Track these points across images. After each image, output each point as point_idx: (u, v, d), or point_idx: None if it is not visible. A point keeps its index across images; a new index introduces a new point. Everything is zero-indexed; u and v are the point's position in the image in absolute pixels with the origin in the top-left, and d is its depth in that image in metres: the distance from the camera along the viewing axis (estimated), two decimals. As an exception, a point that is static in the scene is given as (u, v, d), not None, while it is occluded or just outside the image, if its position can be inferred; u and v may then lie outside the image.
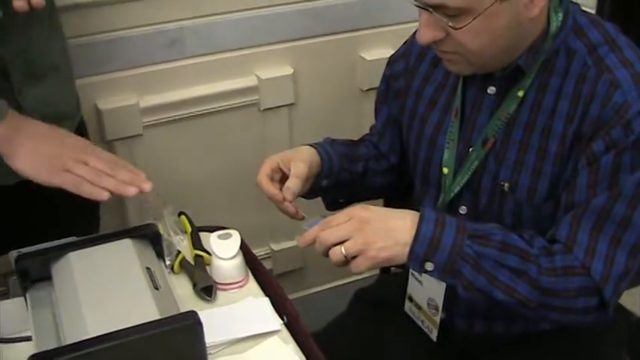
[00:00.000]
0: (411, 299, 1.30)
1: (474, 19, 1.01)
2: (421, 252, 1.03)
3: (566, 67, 1.10)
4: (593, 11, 1.76)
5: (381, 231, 1.03)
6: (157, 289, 1.00)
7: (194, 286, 1.18)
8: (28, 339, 1.04)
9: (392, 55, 1.36)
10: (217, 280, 1.19)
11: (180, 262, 1.22)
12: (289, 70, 1.82)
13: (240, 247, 1.21)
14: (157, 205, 1.30)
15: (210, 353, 1.02)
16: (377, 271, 1.56)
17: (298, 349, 1.07)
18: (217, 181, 1.87)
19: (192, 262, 1.24)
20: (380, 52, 1.87)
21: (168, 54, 1.70)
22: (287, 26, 1.79)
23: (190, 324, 0.91)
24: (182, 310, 0.99)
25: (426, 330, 1.29)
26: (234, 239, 1.21)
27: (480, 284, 1.03)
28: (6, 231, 1.24)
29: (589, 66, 1.08)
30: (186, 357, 0.92)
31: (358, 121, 1.92)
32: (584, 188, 1.07)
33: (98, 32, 1.62)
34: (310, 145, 1.28)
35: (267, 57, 1.80)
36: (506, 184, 1.14)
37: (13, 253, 1.11)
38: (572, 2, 1.14)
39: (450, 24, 1.03)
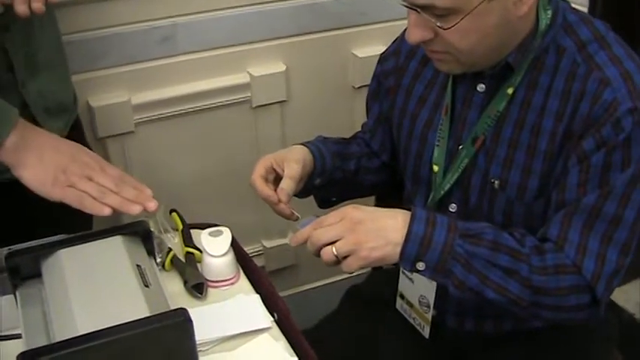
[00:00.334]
0: (402, 297, 1.31)
1: (463, 18, 1.01)
2: (413, 252, 1.03)
3: (555, 64, 1.10)
4: (585, 9, 1.76)
5: (373, 231, 1.04)
6: (147, 286, 1.00)
7: (185, 283, 1.18)
8: (17, 336, 1.04)
9: (382, 53, 1.36)
10: (208, 278, 1.19)
11: (171, 260, 1.22)
12: (281, 67, 1.82)
13: (231, 245, 1.20)
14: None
15: (200, 350, 1.02)
16: (369, 269, 1.56)
17: (289, 346, 1.07)
18: (209, 178, 1.87)
19: (183, 260, 1.23)
20: (372, 49, 1.87)
21: (160, 51, 1.69)
22: (279, 23, 1.79)
23: (181, 321, 0.91)
24: (172, 308, 0.99)
25: (418, 327, 1.29)
26: (225, 236, 1.21)
27: (472, 283, 1.04)
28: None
29: (579, 63, 1.08)
30: (177, 354, 0.92)
31: (350, 118, 1.92)
32: (574, 187, 1.07)
33: (89, 29, 1.61)
34: (303, 144, 1.28)
35: (260, 54, 1.80)
36: (496, 182, 1.14)
37: (3, 251, 1.11)
38: (562, 0, 1.14)
39: (438, 24, 1.03)
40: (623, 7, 1.88)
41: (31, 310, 1.02)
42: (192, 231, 1.30)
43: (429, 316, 1.25)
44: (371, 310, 1.37)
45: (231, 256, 1.19)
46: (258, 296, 1.15)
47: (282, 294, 1.19)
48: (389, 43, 1.37)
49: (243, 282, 1.21)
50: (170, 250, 1.24)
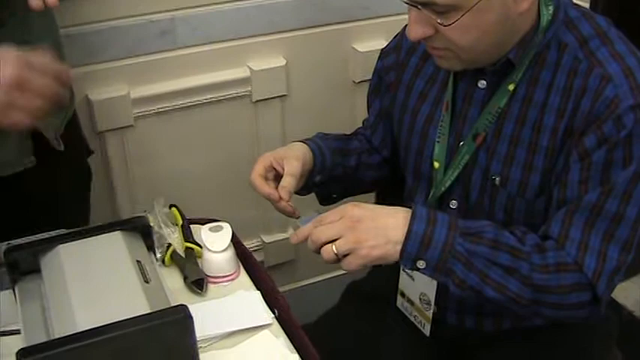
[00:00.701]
0: (403, 294, 1.30)
1: (463, 15, 1.01)
2: (413, 250, 1.03)
3: (557, 61, 1.09)
4: (587, 5, 1.75)
5: (373, 229, 1.03)
6: (147, 282, 0.99)
7: (185, 279, 1.18)
8: (16, 332, 1.03)
9: (383, 49, 1.36)
10: (208, 274, 1.18)
11: (171, 255, 1.22)
12: (282, 62, 1.81)
13: (232, 240, 1.20)
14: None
15: (200, 347, 1.02)
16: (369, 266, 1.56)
17: (289, 342, 1.06)
18: (208, 172, 1.86)
19: (183, 255, 1.23)
20: (373, 43, 1.86)
21: (160, 44, 1.68)
22: (279, 17, 1.78)
23: (181, 317, 0.90)
24: (173, 304, 0.99)
25: (418, 325, 1.28)
26: (226, 232, 1.20)
27: (472, 282, 1.03)
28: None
29: (580, 60, 1.08)
30: (177, 351, 0.92)
31: (350, 112, 1.92)
32: (575, 184, 1.06)
33: (89, 22, 1.60)
34: (302, 142, 1.27)
35: (260, 48, 1.79)
36: (497, 179, 1.14)
37: (2, 245, 1.10)
38: None
39: (438, 21, 1.02)
40: (624, 3, 1.87)
41: (30, 306, 1.02)
42: (192, 226, 1.29)
43: (430, 313, 1.25)
44: (371, 307, 1.37)
45: (231, 252, 1.19)
46: (258, 292, 1.15)
47: (281, 289, 1.19)
48: (390, 38, 1.36)
49: (244, 278, 1.20)
50: (170, 245, 1.23)
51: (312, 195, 1.34)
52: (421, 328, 1.28)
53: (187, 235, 1.26)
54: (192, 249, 1.23)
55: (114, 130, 1.69)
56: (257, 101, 1.83)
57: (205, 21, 1.70)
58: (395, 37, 1.34)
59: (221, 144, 1.84)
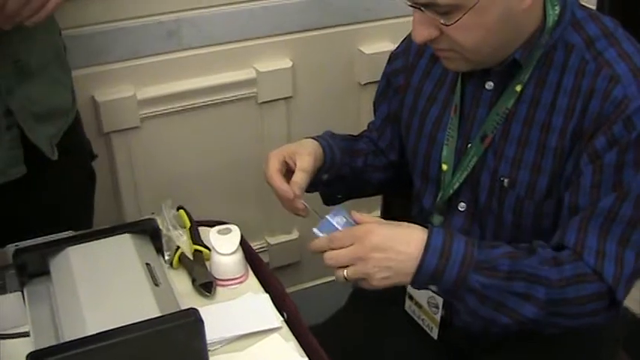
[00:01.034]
0: (411, 298, 1.30)
1: (465, 14, 1.00)
2: (424, 281, 1.04)
3: (564, 61, 1.09)
4: (593, 7, 1.75)
5: (384, 261, 1.02)
6: (157, 285, 0.99)
7: (193, 281, 1.17)
8: (25, 335, 1.03)
9: (392, 52, 1.35)
10: (217, 276, 1.18)
11: (179, 258, 1.21)
12: (288, 63, 1.81)
13: (240, 243, 1.19)
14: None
15: (209, 350, 1.01)
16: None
17: (299, 346, 1.06)
18: (214, 173, 1.85)
19: (191, 258, 1.22)
20: (379, 45, 1.86)
21: (166, 46, 1.68)
22: (285, 19, 1.77)
23: (191, 321, 0.90)
24: (182, 307, 0.99)
25: (426, 328, 1.28)
26: (234, 235, 1.20)
27: (484, 313, 1.03)
28: (-1, 223, 1.23)
29: (587, 61, 1.07)
30: (187, 354, 0.91)
31: (356, 114, 1.91)
32: (587, 188, 1.06)
33: (95, 23, 1.60)
34: (313, 138, 1.26)
35: (266, 50, 1.78)
36: (505, 180, 1.13)
37: (11, 247, 1.10)
38: None
39: (441, 21, 1.02)
40: (630, 4, 1.87)
41: (39, 309, 1.02)
42: (200, 228, 1.29)
43: (438, 317, 1.24)
44: (378, 310, 1.36)
45: (240, 255, 1.19)
46: (267, 295, 1.15)
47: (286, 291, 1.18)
48: (396, 40, 1.36)
49: (252, 281, 1.20)
50: (178, 247, 1.22)
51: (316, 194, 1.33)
52: (429, 332, 1.27)
53: (195, 238, 1.26)
54: (200, 251, 1.23)
55: (120, 131, 1.69)
56: (263, 103, 1.82)
57: (211, 22, 1.70)
58: (403, 40, 1.34)
59: (226, 145, 1.84)
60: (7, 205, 1.24)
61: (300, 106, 1.88)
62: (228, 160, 1.85)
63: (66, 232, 1.12)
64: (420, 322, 1.29)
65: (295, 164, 1.18)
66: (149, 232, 1.10)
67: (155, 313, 0.92)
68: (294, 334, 1.09)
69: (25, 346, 1.01)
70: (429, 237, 1.03)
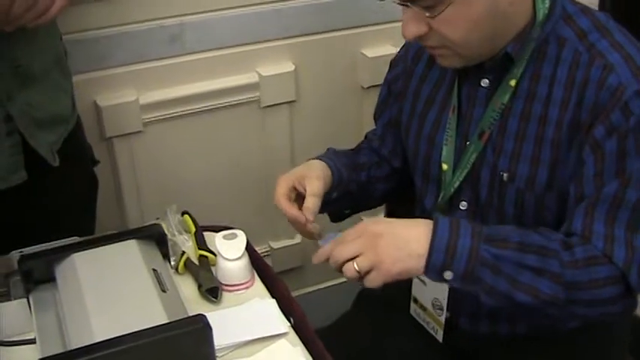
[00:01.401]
0: (415, 301, 1.30)
1: (448, 6, 1.01)
2: (438, 261, 1.02)
3: (557, 55, 1.10)
4: (595, 7, 1.75)
5: (394, 244, 1.02)
6: (164, 291, 0.99)
7: (199, 287, 1.17)
8: (31, 342, 1.03)
9: (392, 59, 1.36)
10: (223, 282, 1.17)
11: (185, 263, 1.21)
12: (290, 67, 1.81)
13: (246, 248, 1.19)
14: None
15: (217, 356, 1.01)
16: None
17: (306, 351, 1.05)
18: (217, 178, 1.85)
19: (197, 263, 1.22)
20: (381, 49, 1.86)
21: (169, 50, 1.67)
22: (288, 23, 1.77)
23: (200, 327, 0.90)
24: (189, 313, 0.98)
25: (431, 331, 1.28)
26: (240, 240, 1.19)
27: (502, 288, 1.02)
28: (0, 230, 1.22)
29: (581, 52, 1.08)
30: (195, 361, 0.91)
31: (359, 118, 1.91)
32: (591, 177, 1.06)
33: (98, 28, 1.59)
34: (319, 159, 1.26)
35: (268, 54, 1.78)
36: (505, 175, 1.13)
37: (15, 254, 1.10)
38: None
39: (427, 14, 1.03)
40: (632, 4, 1.87)
41: (45, 316, 1.01)
42: (205, 233, 1.28)
43: (443, 319, 1.24)
44: (383, 313, 1.36)
45: (246, 260, 1.18)
46: (274, 301, 1.14)
47: (289, 295, 1.18)
48: (398, 43, 1.36)
49: (259, 286, 1.19)
50: (184, 253, 1.22)
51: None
52: (434, 334, 1.27)
53: (201, 243, 1.25)
54: (205, 257, 1.22)
55: (123, 135, 1.68)
56: (265, 107, 1.82)
57: (214, 26, 1.70)
58: (402, 47, 1.35)
59: (229, 149, 1.83)
60: (9, 211, 1.24)
61: (303, 109, 1.88)
62: (230, 164, 1.85)
63: (71, 239, 1.11)
64: (425, 325, 1.29)
65: (305, 189, 1.18)
66: (155, 238, 1.10)
67: (163, 320, 0.92)
68: (301, 339, 1.08)
69: (31, 353, 1.00)
70: (435, 221, 1.03)
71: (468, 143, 1.17)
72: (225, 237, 1.20)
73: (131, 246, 1.05)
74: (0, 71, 1.17)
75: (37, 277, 1.06)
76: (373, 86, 1.83)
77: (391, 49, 1.81)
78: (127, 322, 0.90)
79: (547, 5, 1.10)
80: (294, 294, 2.03)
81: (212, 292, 1.15)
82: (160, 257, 1.07)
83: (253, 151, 1.86)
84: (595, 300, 1.03)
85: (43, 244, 1.10)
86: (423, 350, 1.29)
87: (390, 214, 1.57)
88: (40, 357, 0.88)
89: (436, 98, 1.24)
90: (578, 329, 1.20)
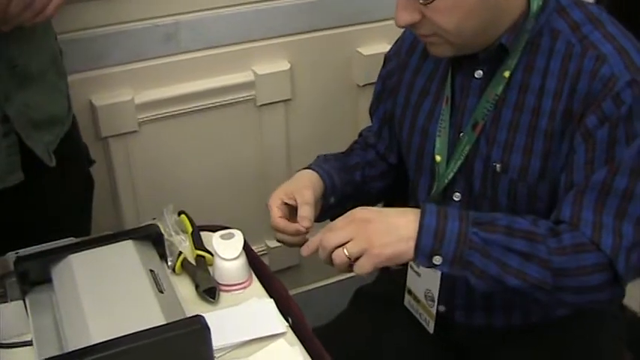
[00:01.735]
0: (410, 292, 1.30)
1: None
2: (428, 245, 1.02)
3: (550, 46, 1.11)
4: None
5: (383, 228, 1.03)
6: (161, 292, 0.99)
7: (196, 287, 1.16)
8: (27, 344, 1.02)
9: (386, 55, 1.37)
10: (220, 282, 1.17)
11: (182, 263, 1.20)
12: (286, 66, 1.80)
13: (243, 247, 1.19)
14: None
15: (215, 357, 1.00)
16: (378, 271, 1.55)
17: (305, 351, 1.05)
18: (213, 177, 1.85)
19: (194, 263, 1.21)
20: (377, 47, 1.86)
21: (164, 49, 1.67)
22: (284, 21, 1.77)
23: (198, 329, 0.90)
24: (187, 313, 0.98)
25: (423, 323, 1.28)
26: (238, 239, 1.19)
27: (492, 271, 1.02)
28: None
29: (573, 44, 1.09)
30: (193, 362, 0.91)
31: (355, 116, 1.91)
32: (581, 165, 1.07)
33: (92, 27, 1.59)
34: (307, 168, 1.27)
35: (264, 52, 1.78)
36: (497, 165, 1.14)
37: (12, 255, 1.09)
38: None
39: (420, 1, 1.04)
40: (630, 3, 1.87)
41: (42, 317, 1.01)
42: (202, 233, 1.27)
43: (434, 310, 1.24)
44: (379, 308, 1.36)
45: (243, 260, 1.18)
46: (272, 300, 1.14)
47: (285, 294, 1.18)
48: (393, 41, 1.36)
49: (256, 285, 1.19)
50: (180, 253, 1.21)
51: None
52: (426, 326, 1.27)
53: (197, 243, 1.25)
54: (202, 257, 1.22)
55: (118, 135, 1.68)
56: (261, 105, 1.81)
57: (209, 25, 1.69)
58: (396, 42, 1.35)
59: (225, 148, 1.83)
60: (5, 212, 1.23)
61: (299, 108, 1.87)
62: (227, 163, 1.84)
63: (67, 239, 1.11)
64: (418, 317, 1.29)
65: (296, 202, 1.18)
66: (152, 238, 1.10)
67: (160, 321, 0.92)
68: (299, 339, 1.08)
69: (28, 355, 1.00)
70: (422, 206, 1.05)
71: (461, 134, 1.17)
72: (222, 237, 1.19)
73: (128, 246, 1.05)
74: None
75: (34, 279, 1.05)
76: (369, 84, 1.82)
77: (387, 47, 1.78)
78: (124, 323, 0.89)
79: None
80: (291, 292, 2.03)
81: (209, 292, 1.15)
82: (157, 258, 1.07)
83: (249, 149, 1.85)
84: (582, 287, 1.04)
85: (39, 245, 1.10)
86: (415, 342, 1.30)
87: (386, 207, 1.58)
88: (37, 359, 0.87)
89: (430, 89, 1.24)
90: (572, 321, 1.21)
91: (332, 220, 1.31)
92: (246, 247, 1.20)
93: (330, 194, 1.25)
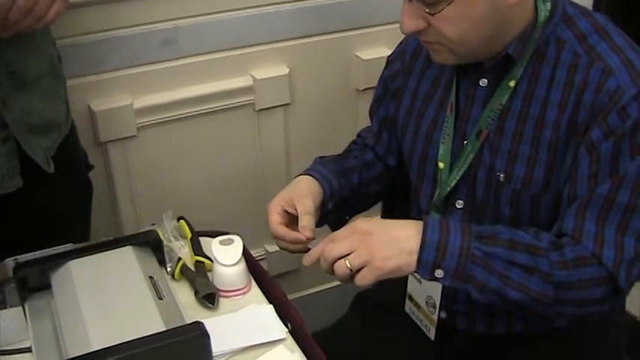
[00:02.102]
0: (410, 298, 1.30)
1: (449, 4, 1.02)
2: (430, 258, 1.02)
3: (556, 56, 1.10)
4: (589, 7, 1.75)
5: (385, 241, 1.03)
6: (160, 298, 0.98)
7: (196, 293, 1.16)
8: (27, 350, 1.02)
9: (389, 57, 1.36)
10: (220, 288, 1.17)
11: (181, 269, 1.20)
12: (285, 70, 1.80)
13: (242, 253, 1.18)
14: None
15: (214, 363, 1.00)
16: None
17: (304, 357, 1.05)
18: (211, 181, 1.84)
19: (193, 269, 1.21)
20: (376, 51, 1.86)
21: (163, 54, 1.67)
22: (282, 26, 1.77)
23: (197, 335, 0.90)
24: (187, 320, 0.98)
25: (424, 329, 1.28)
26: (237, 245, 1.18)
27: (493, 285, 1.02)
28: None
29: (580, 55, 1.08)
30: (193, 369, 0.91)
31: (354, 121, 1.90)
32: (585, 178, 1.06)
33: (91, 32, 1.58)
34: (306, 174, 1.26)
35: (263, 57, 1.78)
36: (501, 175, 1.14)
37: (10, 261, 1.09)
38: None
39: (427, 10, 1.04)
40: (628, 6, 1.87)
41: (41, 324, 1.01)
42: (201, 239, 1.27)
43: (435, 317, 1.24)
44: (380, 314, 1.36)
45: (243, 265, 1.17)
46: (271, 306, 1.14)
47: (284, 299, 1.17)
48: (392, 45, 1.36)
49: (255, 291, 1.19)
50: (180, 259, 1.21)
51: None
52: (426, 332, 1.27)
53: (197, 249, 1.25)
54: (202, 262, 1.21)
55: (117, 140, 1.67)
56: (260, 110, 1.81)
57: (208, 30, 1.69)
58: (399, 44, 1.34)
59: (224, 153, 1.83)
60: (4, 218, 1.23)
61: (298, 112, 1.87)
62: (226, 168, 1.84)
63: (66, 245, 1.11)
64: (419, 323, 1.29)
65: (295, 210, 1.18)
66: (151, 244, 1.09)
67: (160, 328, 0.91)
68: (298, 345, 1.07)
69: (27, 361, 1.00)
70: (425, 219, 1.05)
71: (465, 142, 1.17)
72: (221, 242, 1.19)
73: (127, 253, 1.05)
74: None
75: (33, 285, 1.05)
76: (368, 88, 1.83)
77: (386, 51, 1.80)
78: (123, 330, 0.89)
79: (548, 7, 1.10)
80: (291, 297, 2.03)
81: (209, 298, 1.14)
82: (156, 264, 1.07)
83: (248, 154, 1.85)
84: (583, 300, 1.04)
85: (39, 252, 1.10)
86: (415, 349, 1.29)
87: (386, 213, 1.58)
88: (37, 366, 0.87)
89: (434, 96, 1.24)
90: (573, 328, 1.21)
91: (329, 224, 1.32)
92: (246, 253, 1.20)
93: (328, 200, 1.25)
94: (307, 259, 1.09)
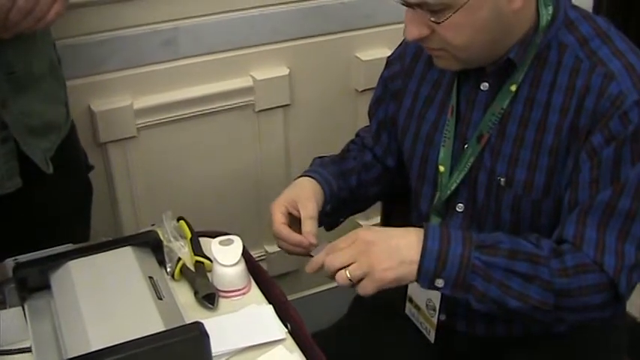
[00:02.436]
0: (411, 300, 1.30)
1: (455, 12, 1.01)
2: (430, 268, 1.03)
3: (558, 61, 1.10)
4: (589, 8, 1.75)
5: (385, 251, 1.03)
6: (160, 299, 0.98)
7: (195, 293, 1.16)
8: (26, 350, 1.02)
9: (389, 57, 1.36)
10: (219, 288, 1.17)
11: (181, 269, 1.20)
12: (285, 71, 1.80)
13: (242, 254, 1.18)
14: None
15: (214, 363, 1.00)
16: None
17: (304, 357, 1.05)
18: (211, 182, 1.84)
19: (193, 269, 1.21)
20: (376, 52, 1.86)
21: (163, 54, 1.67)
22: (282, 26, 1.77)
23: (197, 335, 0.90)
24: (186, 320, 0.98)
25: (424, 331, 1.28)
26: (236, 245, 1.19)
27: (493, 294, 1.03)
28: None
29: (581, 59, 1.08)
30: (192, 369, 0.91)
31: (354, 121, 1.90)
32: (586, 184, 1.06)
33: (91, 32, 1.59)
34: (307, 176, 1.26)
35: (263, 57, 1.78)
36: (502, 180, 1.14)
37: (10, 262, 1.09)
38: None
39: (432, 19, 1.03)
40: (628, 8, 1.87)
41: (41, 324, 1.01)
42: (201, 239, 1.27)
43: (435, 319, 1.24)
44: (380, 316, 1.36)
45: (242, 266, 1.17)
46: (271, 307, 1.14)
47: (284, 299, 1.17)
48: (392, 46, 1.36)
49: (255, 292, 1.19)
50: (180, 259, 1.21)
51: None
52: (426, 335, 1.27)
53: (196, 249, 1.25)
54: (201, 263, 1.21)
55: (117, 141, 1.67)
56: (260, 111, 1.81)
57: (208, 31, 1.69)
58: (399, 45, 1.34)
59: (224, 154, 1.83)
60: (3, 218, 1.23)
61: (298, 113, 1.87)
62: (225, 168, 1.84)
63: (66, 246, 1.11)
64: (419, 325, 1.29)
65: (298, 212, 1.18)
66: (151, 244, 1.09)
67: (160, 328, 0.92)
68: (298, 345, 1.07)
69: (27, 362, 1.00)
70: (425, 228, 1.04)
71: (466, 146, 1.17)
72: (221, 243, 1.19)
73: (127, 253, 1.05)
74: None
75: (32, 285, 1.05)
76: (367, 89, 1.83)
77: (385, 52, 1.79)
78: (123, 330, 0.89)
79: (550, 12, 1.10)
80: (290, 298, 2.03)
81: (209, 298, 1.14)
82: (156, 264, 1.07)
83: (248, 155, 1.85)
84: (584, 306, 1.05)
85: (38, 252, 1.10)
86: (420, 353, 1.29)
87: (386, 215, 1.58)
88: (37, 366, 0.87)
89: (435, 98, 1.23)
90: (573, 331, 1.21)
91: (324, 225, 1.32)
92: (245, 253, 1.20)
93: (327, 202, 1.25)
94: (309, 268, 1.09)
